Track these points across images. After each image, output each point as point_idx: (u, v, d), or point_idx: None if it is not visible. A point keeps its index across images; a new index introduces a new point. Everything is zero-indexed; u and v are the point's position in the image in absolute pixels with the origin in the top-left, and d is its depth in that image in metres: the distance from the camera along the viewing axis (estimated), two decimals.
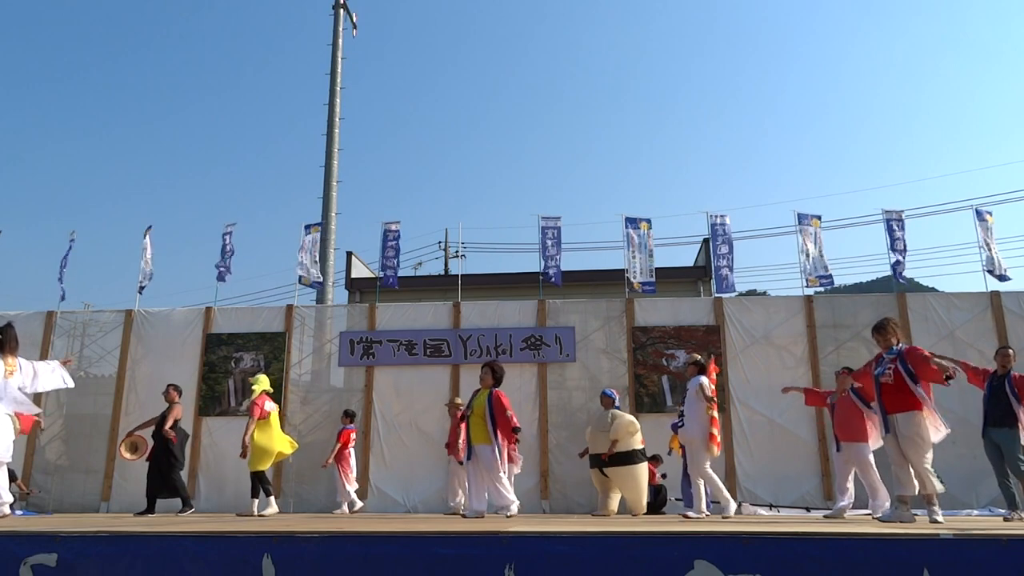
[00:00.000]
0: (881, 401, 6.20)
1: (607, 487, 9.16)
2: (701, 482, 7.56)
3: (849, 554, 3.23)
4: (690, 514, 7.61)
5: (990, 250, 11.12)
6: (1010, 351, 7.33)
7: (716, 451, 7.51)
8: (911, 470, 5.95)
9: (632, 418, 9.24)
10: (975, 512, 9.26)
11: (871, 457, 7.74)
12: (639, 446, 9.07)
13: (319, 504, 10.88)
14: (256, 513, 8.64)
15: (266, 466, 8.82)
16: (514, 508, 7.29)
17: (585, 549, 3.42)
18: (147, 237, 12.60)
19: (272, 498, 8.84)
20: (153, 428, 9.34)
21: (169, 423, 9.19)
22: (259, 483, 8.75)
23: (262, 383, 9.08)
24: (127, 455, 9.68)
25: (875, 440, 7.61)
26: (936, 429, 6.03)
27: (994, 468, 7.15)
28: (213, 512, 10.52)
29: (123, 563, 3.58)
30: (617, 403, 9.41)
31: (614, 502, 9.19)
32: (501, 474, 7.29)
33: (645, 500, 9.16)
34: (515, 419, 7.39)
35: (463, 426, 7.93)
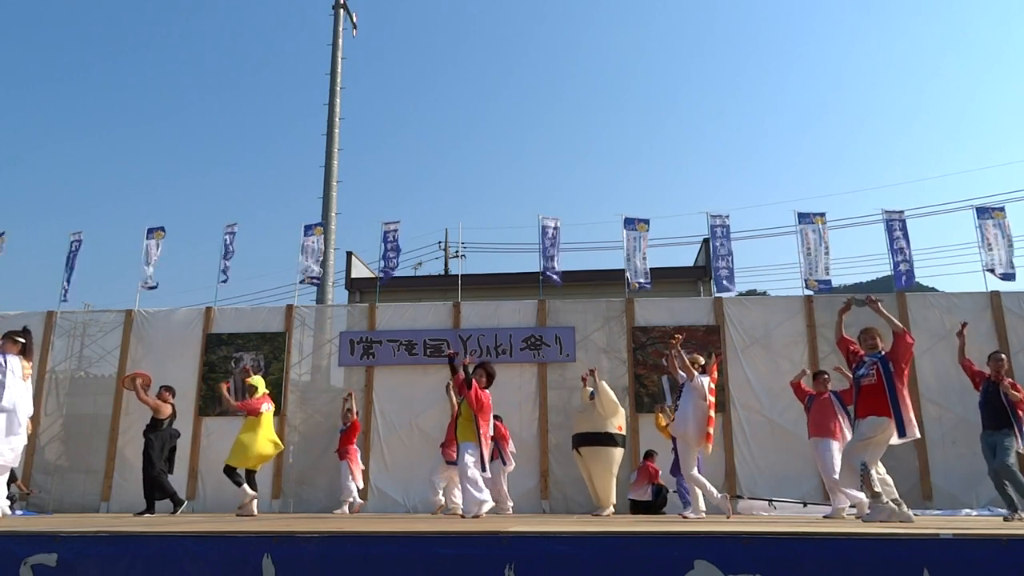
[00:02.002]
0: (857, 404, 6.22)
1: (584, 475, 9.17)
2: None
3: (849, 554, 3.23)
4: (688, 515, 7.60)
5: (1010, 247, 10.91)
6: (1003, 356, 7.35)
7: (709, 448, 7.50)
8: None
9: (615, 398, 9.23)
10: (975, 512, 9.26)
11: (836, 457, 7.61)
12: (615, 430, 8.96)
13: (319, 504, 10.88)
14: (255, 511, 8.64)
15: (244, 465, 8.71)
16: (485, 508, 7.14)
17: (585, 549, 3.42)
18: (154, 239, 12.54)
19: (244, 487, 8.67)
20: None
21: (148, 399, 9.26)
22: (230, 477, 8.70)
23: (261, 385, 9.08)
24: (128, 387, 9.78)
25: (844, 441, 7.60)
26: (896, 434, 6.05)
27: (990, 471, 7.16)
28: (213, 512, 10.52)
29: (123, 563, 3.58)
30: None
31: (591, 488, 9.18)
32: (473, 474, 7.15)
33: (613, 492, 9.00)
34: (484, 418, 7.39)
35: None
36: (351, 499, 10.22)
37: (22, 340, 6.92)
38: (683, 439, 7.42)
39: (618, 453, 9.03)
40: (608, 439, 8.90)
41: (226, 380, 10.34)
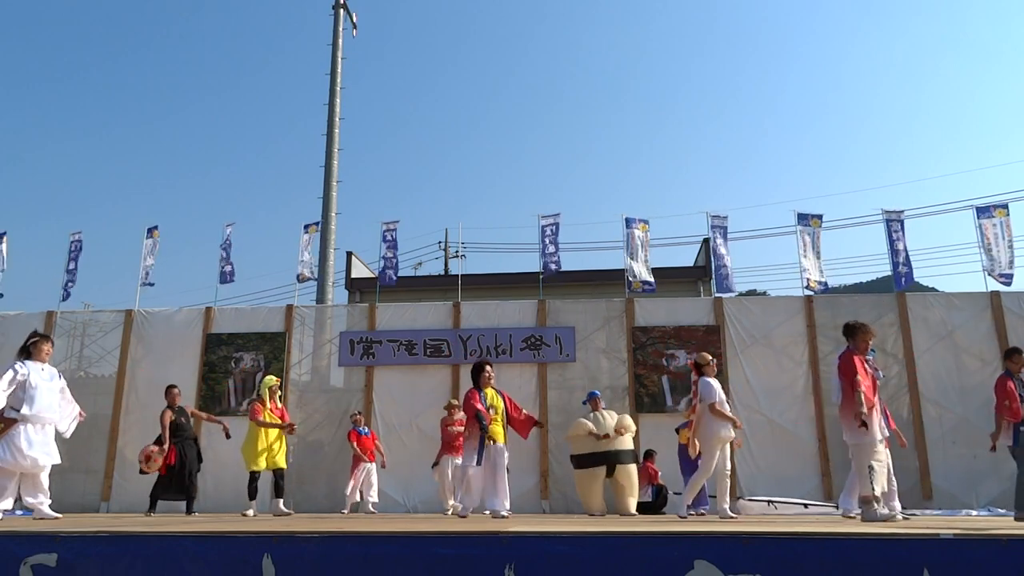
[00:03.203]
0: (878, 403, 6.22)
1: (597, 488, 9.21)
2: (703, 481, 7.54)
3: (849, 554, 3.23)
4: (684, 514, 7.58)
5: (1010, 247, 10.82)
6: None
7: None
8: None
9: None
10: (975, 512, 9.25)
11: None
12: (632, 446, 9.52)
13: (319, 504, 10.87)
14: (285, 509, 8.87)
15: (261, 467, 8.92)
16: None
17: (585, 549, 3.41)
18: (152, 238, 12.54)
19: (253, 502, 8.88)
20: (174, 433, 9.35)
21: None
22: (282, 480, 9.00)
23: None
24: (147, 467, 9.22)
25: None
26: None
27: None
28: (213, 512, 10.52)
29: (123, 563, 3.58)
30: (603, 404, 9.67)
31: (601, 499, 9.29)
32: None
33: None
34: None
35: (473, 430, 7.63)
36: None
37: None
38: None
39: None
40: (635, 454, 9.51)
41: (257, 403, 9.43)
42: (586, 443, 9.27)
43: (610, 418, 9.34)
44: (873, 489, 5.85)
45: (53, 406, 6.71)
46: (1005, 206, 11.16)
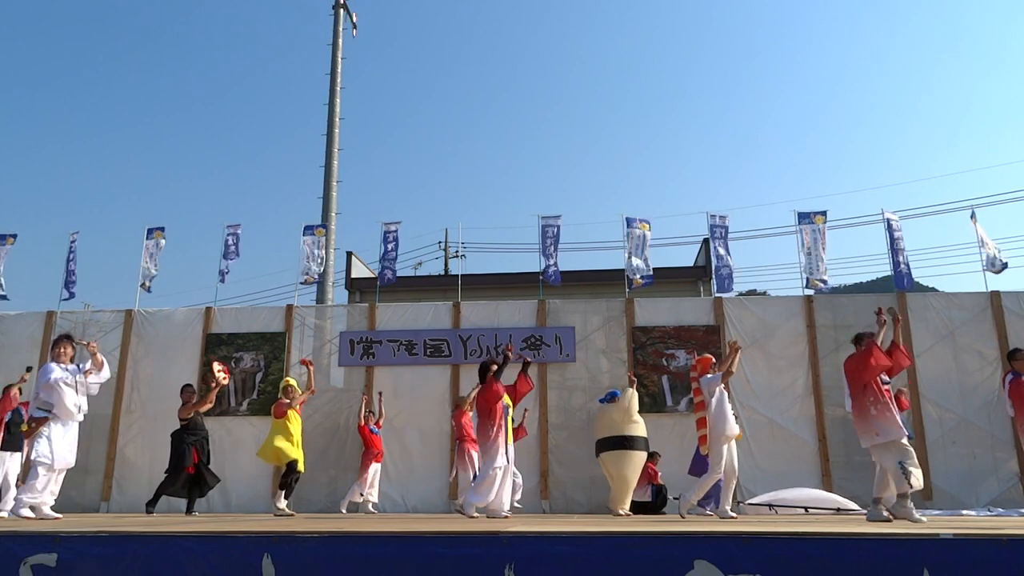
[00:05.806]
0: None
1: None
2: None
3: (849, 554, 3.23)
4: (708, 511, 7.61)
5: (984, 247, 11.09)
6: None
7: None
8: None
9: None
10: (975, 512, 9.25)
11: None
12: None
13: (319, 504, 10.87)
14: (287, 510, 8.88)
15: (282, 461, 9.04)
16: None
17: (585, 549, 3.42)
18: (154, 239, 12.52)
19: (282, 493, 9.01)
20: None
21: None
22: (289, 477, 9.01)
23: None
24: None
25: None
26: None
27: None
28: (213, 512, 10.52)
29: (123, 563, 3.58)
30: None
31: None
32: None
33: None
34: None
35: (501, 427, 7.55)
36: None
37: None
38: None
39: None
40: None
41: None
42: (636, 424, 9.16)
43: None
44: (910, 485, 5.78)
45: (77, 407, 7.15)
46: (974, 215, 11.43)
